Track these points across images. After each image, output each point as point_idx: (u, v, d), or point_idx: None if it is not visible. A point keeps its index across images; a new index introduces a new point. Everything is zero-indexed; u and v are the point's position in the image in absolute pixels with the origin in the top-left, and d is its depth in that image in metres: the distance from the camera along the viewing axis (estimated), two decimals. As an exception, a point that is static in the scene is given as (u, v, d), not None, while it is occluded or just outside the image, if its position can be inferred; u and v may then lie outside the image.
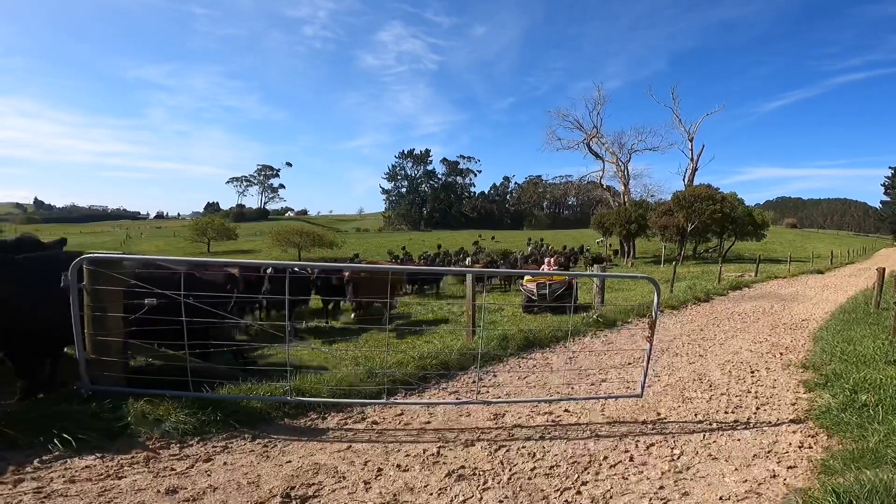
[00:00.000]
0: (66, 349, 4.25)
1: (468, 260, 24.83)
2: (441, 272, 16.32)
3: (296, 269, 7.54)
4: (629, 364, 5.72)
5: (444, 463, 3.08)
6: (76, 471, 2.74)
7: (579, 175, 62.93)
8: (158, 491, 2.59)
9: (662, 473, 3.01)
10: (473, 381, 4.65)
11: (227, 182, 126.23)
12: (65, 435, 2.96)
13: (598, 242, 46.89)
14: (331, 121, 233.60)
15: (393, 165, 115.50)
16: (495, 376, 5.13)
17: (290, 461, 3.03)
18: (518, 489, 2.79)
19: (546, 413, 4.03)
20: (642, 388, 4.13)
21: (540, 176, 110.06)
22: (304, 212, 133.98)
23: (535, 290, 10.63)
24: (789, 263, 24.33)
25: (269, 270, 7.97)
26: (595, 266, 15.61)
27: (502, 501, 2.66)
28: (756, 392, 4.73)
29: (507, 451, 3.28)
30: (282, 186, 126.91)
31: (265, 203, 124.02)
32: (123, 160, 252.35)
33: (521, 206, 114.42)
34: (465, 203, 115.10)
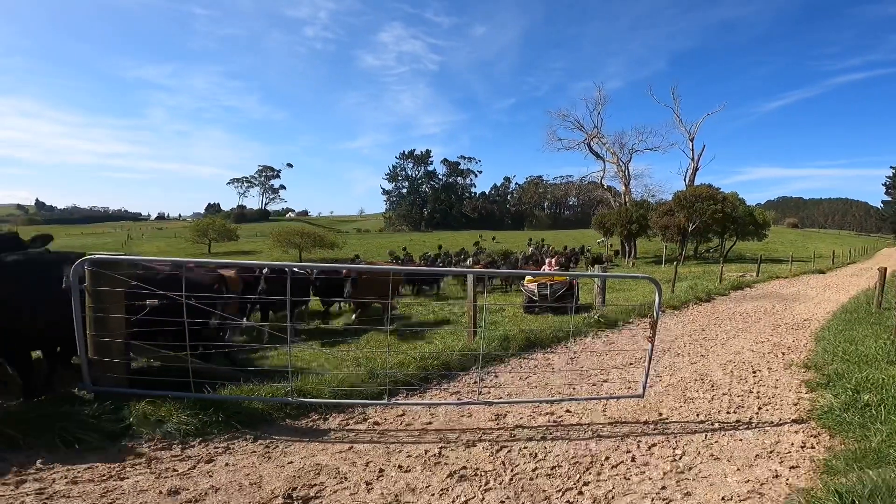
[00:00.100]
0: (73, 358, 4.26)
1: (469, 260, 24.82)
2: (440, 273, 16.32)
3: (295, 269, 7.56)
4: (631, 364, 5.72)
5: (446, 463, 3.08)
6: (78, 472, 2.74)
7: (580, 175, 63.06)
8: (160, 492, 2.59)
9: (664, 474, 3.01)
10: (475, 382, 4.65)
11: (228, 183, 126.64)
12: (66, 436, 2.96)
13: (598, 243, 46.90)
14: (331, 121, 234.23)
15: (393, 166, 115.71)
16: (497, 377, 5.13)
17: (291, 462, 3.03)
18: (520, 490, 2.79)
19: (548, 413, 4.02)
20: (644, 388, 4.12)
21: (541, 176, 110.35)
22: (305, 212, 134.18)
23: (536, 291, 10.63)
24: (791, 263, 24.31)
25: (264, 271, 7.91)
26: (596, 266, 15.61)
27: (504, 502, 2.66)
28: (758, 392, 4.72)
29: (509, 451, 3.28)
30: (282, 187, 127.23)
31: (266, 204, 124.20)
32: (124, 160, 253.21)
33: (521, 207, 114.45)
34: (466, 203, 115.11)
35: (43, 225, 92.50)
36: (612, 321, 8.38)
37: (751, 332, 7.99)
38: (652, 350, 4.05)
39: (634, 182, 50.22)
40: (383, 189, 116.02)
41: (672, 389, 4.78)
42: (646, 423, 3.89)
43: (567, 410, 4.09)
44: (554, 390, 4.69)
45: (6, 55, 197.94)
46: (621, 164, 49.62)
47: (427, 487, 2.78)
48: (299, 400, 3.77)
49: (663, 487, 2.84)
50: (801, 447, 3.41)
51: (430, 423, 3.76)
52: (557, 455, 3.24)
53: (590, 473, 3.00)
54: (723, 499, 2.72)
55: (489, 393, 4.55)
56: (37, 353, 4.47)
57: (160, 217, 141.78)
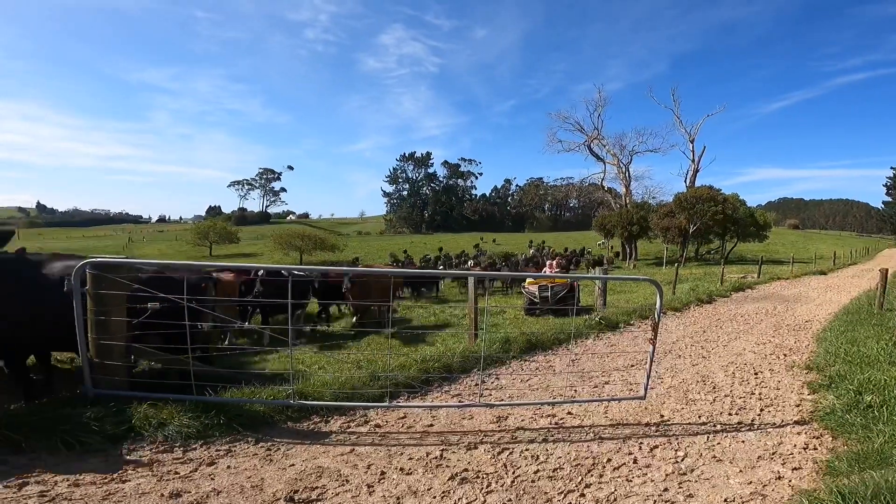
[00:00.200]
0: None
1: (470, 262, 24.82)
2: (439, 275, 16.31)
3: (294, 272, 7.56)
4: (632, 366, 5.71)
5: (448, 466, 3.08)
6: (80, 474, 2.74)
7: (580, 177, 62.90)
8: (162, 495, 2.59)
9: (666, 476, 3.01)
10: (476, 384, 4.65)
11: (229, 185, 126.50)
12: (68, 438, 2.97)
13: (599, 244, 46.84)
14: (333, 124, 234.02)
15: (394, 168, 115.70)
16: (498, 379, 5.12)
17: (293, 465, 3.03)
18: (521, 492, 2.78)
19: (549, 415, 4.02)
20: (645, 390, 4.12)
21: (541, 178, 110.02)
22: (306, 215, 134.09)
23: (536, 293, 10.62)
24: (792, 264, 24.26)
25: (260, 273, 7.89)
26: (597, 268, 15.59)
27: (506, 504, 2.66)
28: (760, 394, 4.71)
29: (511, 453, 3.27)
30: (283, 190, 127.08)
31: (267, 206, 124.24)
32: (126, 164, 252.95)
33: (522, 209, 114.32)
34: (467, 206, 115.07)
35: (44, 228, 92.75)
36: (614, 323, 8.37)
37: (752, 333, 7.97)
38: (653, 352, 4.05)
39: (635, 184, 50.17)
40: (384, 191, 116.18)
41: (674, 391, 4.77)
42: (647, 424, 3.88)
43: (568, 412, 4.09)
44: (555, 392, 4.69)
45: (9, 58, 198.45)
46: (622, 165, 49.62)
47: (429, 490, 2.78)
48: (301, 402, 3.76)
49: (665, 489, 2.84)
50: (804, 448, 3.40)
51: (431, 425, 3.76)
52: (559, 457, 3.24)
53: (591, 475, 3.00)
54: (725, 500, 2.72)
55: (490, 395, 4.55)
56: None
57: (161, 220, 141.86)
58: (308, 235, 44.61)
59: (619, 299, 12.57)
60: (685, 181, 48.00)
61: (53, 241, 54.78)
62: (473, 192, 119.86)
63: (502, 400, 4.39)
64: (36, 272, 4.00)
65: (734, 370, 5.59)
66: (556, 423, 3.87)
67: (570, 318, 8.28)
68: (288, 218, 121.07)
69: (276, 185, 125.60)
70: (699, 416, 4.08)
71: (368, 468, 3.01)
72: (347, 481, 2.84)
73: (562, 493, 2.79)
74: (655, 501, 2.71)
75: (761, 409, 4.26)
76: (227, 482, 2.77)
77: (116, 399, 3.43)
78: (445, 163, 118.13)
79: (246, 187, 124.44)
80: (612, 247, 44.10)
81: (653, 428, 3.82)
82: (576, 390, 4.78)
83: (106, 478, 2.72)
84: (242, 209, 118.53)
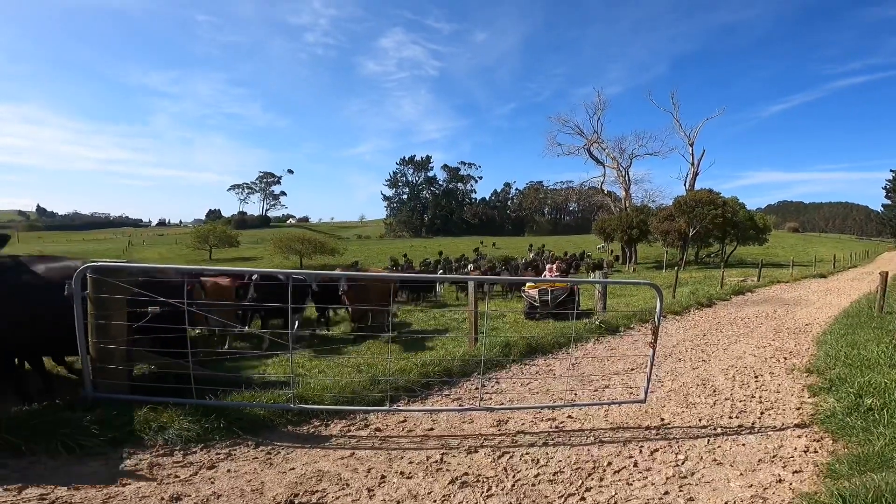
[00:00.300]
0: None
1: (469, 266, 24.82)
2: (436, 279, 16.31)
3: (293, 276, 7.55)
4: (632, 370, 5.71)
5: (448, 470, 3.08)
6: (80, 478, 2.74)
7: (580, 181, 62.92)
8: (162, 498, 2.59)
9: (667, 479, 3.00)
10: (476, 388, 4.65)
11: (229, 189, 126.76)
12: (68, 442, 2.97)
13: (599, 248, 46.84)
14: (333, 127, 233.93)
15: (394, 172, 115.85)
16: (498, 383, 5.12)
17: (293, 468, 3.02)
18: (522, 496, 2.78)
19: (549, 419, 4.02)
20: (646, 393, 4.12)
21: (541, 182, 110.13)
22: (306, 219, 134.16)
23: (536, 297, 10.62)
24: (792, 268, 24.26)
25: (254, 277, 7.85)
26: (597, 272, 15.59)
27: (506, 508, 2.65)
28: (760, 397, 4.71)
29: (511, 457, 3.27)
30: (283, 193, 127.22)
31: (267, 210, 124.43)
32: (126, 167, 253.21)
33: (522, 213, 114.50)
34: (467, 209, 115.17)
35: (44, 231, 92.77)
36: (614, 327, 8.37)
37: (752, 336, 7.97)
38: (653, 355, 4.05)
39: (635, 187, 50.19)
40: (384, 195, 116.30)
41: (674, 394, 4.77)
42: (648, 428, 3.88)
43: (569, 416, 4.08)
44: (555, 396, 4.68)
45: (10, 61, 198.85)
46: (621, 169, 49.66)
47: (429, 494, 2.78)
48: (301, 406, 3.76)
49: (666, 493, 2.84)
50: (804, 451, 3.40)
51: (431, 429, 3.76)
52: (559, 461, 3.23)
53: (592, 479, 3.00)
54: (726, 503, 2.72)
55: (491, 399, 4.55)
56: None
57: (161, 223, 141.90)
58: (308, 239, 44.59)
59: (619, 303, 12.57)
60: (685, 184, 48.12)
61: (53, 245, 54.79)
62: (473, 195, 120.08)
63: (502, 404, 4.39)
64: (16, 274, 3.90)
65: (734, 373, 5.59)
66: (556, 427, 3.86)
67: (571, 321, 8.28)
68: (288, 222, 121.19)
69: (276, 189, 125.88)
70: (699, 420, 4.08)
71: (369, 472, 3.01)
72: (348, 485, 2.84)
73: (562, 496, 2.79)
74: (656, 505, 2.71)
75: (762, 413, 4.25)
76: (227, 486, 2.77)
77: (116, 402, 3.43)
78: (445, 166, 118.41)
79: (246, 191, 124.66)
80: (611, 250, 44.09)
81: (653, 431, 3.81)
82: (576, 394, 4.78)
83: (106, 481, 2.72)
84: (242, 213, 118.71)
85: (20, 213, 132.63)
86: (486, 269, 22.47)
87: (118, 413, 3.30)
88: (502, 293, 17.69)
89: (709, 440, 3.62)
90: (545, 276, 13.57)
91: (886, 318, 8.45)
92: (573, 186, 70.59)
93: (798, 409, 4.35)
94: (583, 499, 2.77)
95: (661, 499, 2.77)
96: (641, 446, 3.49)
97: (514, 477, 2.99)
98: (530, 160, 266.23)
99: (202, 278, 6.25)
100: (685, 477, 3.03)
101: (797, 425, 3.93)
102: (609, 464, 3.20)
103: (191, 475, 2.87)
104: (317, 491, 2.76)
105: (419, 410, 4.11)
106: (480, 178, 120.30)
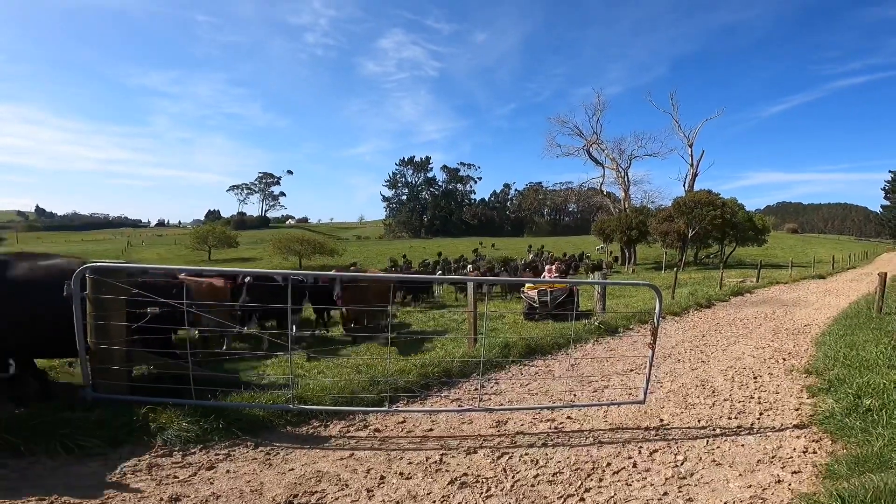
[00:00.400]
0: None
1: (469, 267, 24.81)
2: (434, 280, 16.30)
3: (291, 277, 7.53)
4: (631, 370, 5.71)
5: (447, 470, 3.08)
6: (79, 478, 2.74)
7: (580, 181, 63.04)
8: (161, 499, 2.59)
9: (666, 480, 3.01)
10: (475, 389, 4.65)
11: (228, 190, 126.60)
12: (68, 442, 2.97)
13: (598, 249, 46.88)
14: (333, 128, 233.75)
15: (393, 173, 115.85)
16: (497, 383, 5.12)
17: (292, 469, 3.02)
18: (521, 496, 2.78)
19: (548, 420, 4.02)
20: (645, 394, 4.12)
21: (540, 182, 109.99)
22: (305, 219, 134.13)
23: (536, 298, 10.62)
24: (791, 269, 24.28)
25: (247, 279, 7.80)
26: (596, 273, 15.58)
27: (506, 508, 2.65)
28: (759, 397, 4.71)
29: (510, 458, 3.27)
30: (282, 194, 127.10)
31: (266, 211, 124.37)
32: (126, 168, 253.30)
33: (521, 213, 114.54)
34: (466, 210, 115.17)
35: (43, 231, 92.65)
36: (613, 328, 8.38)
37: (751, 337, 7.98)
38: (653, 356, 4.06)
39: (634, 188, 50.22)
40: (383, 196, 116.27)
41: (673, 395, 4.77)
42: (647, 429, 3.88)
43: (568, 417, 4.09)
44: (555, 397, 4.69)
45: (10, 61, 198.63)
46: (621, 170, 49.67)
47: (428, 494, 2.78)
48: (300, 407, 3.76)
49: (665, 493, 2.84)
50: (803, 452, 3.40)
51: (431, 429, 3.76)
52: (559, 461, 3.23)
53: (591, 480, 3.00)
54: (725, 504, 2.72)
55: (490, 400, 4.55)
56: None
57: (160, 224, 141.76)
58: (307, 240, 44.59)
59: (618, 304, 12.58)
60: (684, 185, 48.15)
61: (52, 245, 54.70)
62: (472, 196, 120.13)
63: (502, 404, 4.39)
64: None
65: (733, 374, 5.60)
66: (555, 428, 3.87)
67: (570, 322, 8.28)
68: (287, 222, 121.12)
69: (276, 190, 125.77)
70: (698, 420, 4.08)
71: (368, 473, 3.01)
72: (347, 486, 2.84)
73: (561, 497, 2.79)
74: (655, 505, 2.71)
75: (760, 413, 4.26)
76: (226, 486, 2.77)
77: (116, 403, 3.42)
78: (444, 167, 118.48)
79: (245, 191, 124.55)
80: (611, 251, 44.13)
81: (652, 432, 3.82)
82: (575, 395, 4.78)
83: (105, 481, 2.72)
84: (242, 213, 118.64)
85: (19, 213, 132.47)
86: (484, 269, 22.46)
87: (117, 413, 3.30)
88: (501, 294, 17.70)
89: (708, 441, 3.62)
90: (544, 276, 13.58)
91: (885, 319, 8.47)
92: (572, 187, 70.58)
93: (797, 409, 4.35)
94: (582, 499, 2.77)
95: (660, 499, 2.78)
96: (640, 447, 3.49)
97: (513, 477, 2.99)
98: (530, 161, 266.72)
99: (182, 277, 6.14)
100: (684, 477, 3.04)
101: (796, 426, 3.93)
102: (608, 464, 3.20)
103: (190, 476, 2.87)
104: (316, 492, 2.76)
105: (418, 411, 4.11)
106: (480, 178, 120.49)
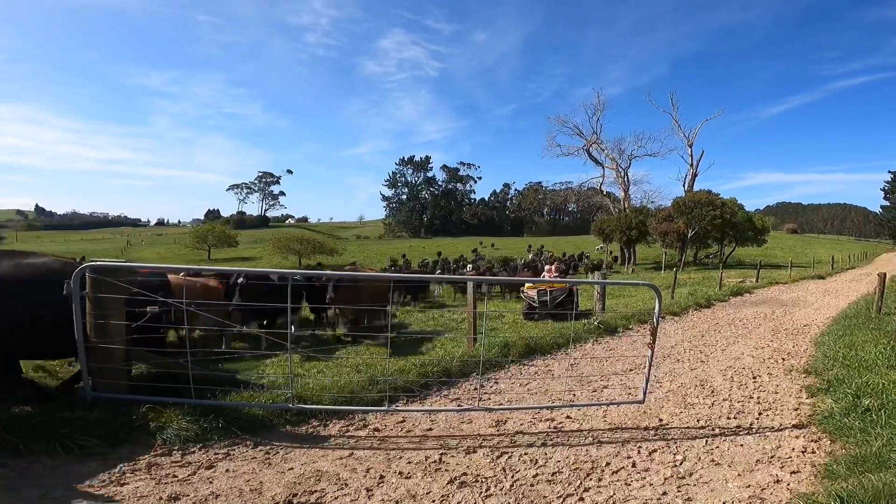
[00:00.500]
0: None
1: (468, 267, 24.81)
2: (431, 279, 16.29)
3: (288, 277, 7.51)
4: (631, 370, 5.71)
5: (447, 470, 3.08)
6: (79, 477, 2.74)
7: (579, 181, 63.10)
8: (160, 498, 2.59)
9: (665, 479, 3.01)
10: (475, 388, 4.65)
11: (228, 189, 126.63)
12: (67, 441, 2.96)
13: (598, 249, 46.88)
14: (333, 128, 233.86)
15: (393, 172, 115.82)
16: (497, 383, 5.13)
17: (292, 468, 3.02)
18: (520, 496, 2.79)
19: (548, 419, 4.02)
20: (644, 394, 4.13)
21: (540, 182, 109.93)
22: (305, 219, 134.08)
23: (535, 298, 10.63)
24: (790, 269, 24.29)
25: (241, 280, 7.76)
26: (595, 273, 15.58)
27: (505, 508, 2.66)
28: (758, 397, 4.72)
29: (510, 457, 3.27)
30: (282, 193, 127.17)
31: (266, 210, 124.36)
32: (126, 167, 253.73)
33: (521, 213, 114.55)
34: (466, 210, 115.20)
35: (42, 231, 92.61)
36: (612, 327, 8.38)
37: (751, 337, 7.99)
38: (652, 356, 4.06)
39: (634, 188, 50.26)
40: (383, 195, 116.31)
41: (672, 395, 4.77)
42: (646, 428, 3.89)
43: (567, 416, 4.09)
44: (554, 396, 4.69)
45: (10, 61, 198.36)
46: (620, 170, 49.70)
47: (428, 494, 2.78)
48: (300, 406, 3.76)
49: (664, 493, 2.84)
50: (802, 452, 3.41)
51: (430, 429, 3.76)
52: (558, 461, 3.24)
53: (591, 479, 3.00)
54: (724, 504, 2.72)
55: (489, 399, 4.55)
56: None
57: (160, 223, 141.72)
58: (307, 239, 44.57)
59: (617, 304, 12.58)
60: (684, 185, 48.20)
61: (51, 245, 54.68)
62: (472, 196, 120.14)
63: (501, 404, 4.39)
64: None
65: (732, 374, 5.60)
66: (555, 427, 3.87)
67: (569, 322, 8.29)
68: (287, 222, 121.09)
69: (276, 189, 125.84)
70: (698, 420, 4.09)
71: (367, 472, 3.01)
72: (346, 485, 2.84)
73: (561, 496, 2.79)
74: (654, 505, 2.71)
75: (760, 413, 4.26)
76: (225, 485, 2.77)
77: (115, 402, 3.42)
78: (444, 167, 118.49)
79: (245, 191, 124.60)
80: (610, 251, 44.13)
81: (651, 432, 3.82)
82: (575, 394, 4.79)
83: (104, 481, 2.72)
84: (241, 213, 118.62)
85: (18, 212, 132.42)
86: (484, 269, 22.46)
87: (116, 413, 3.29)
88: (501, 294, 17.70)
89: (707, 441, 3.63)
90: (544, 276, 13.58)
91: (884, 319, 8.48)
92: (572, 187, 70.51)
93: (796, 409, 4.36)
94: (581, 499, 2.78)
95: (660, 499, 2.78)
96: (640, 447, 3.49)
97: (512, 477, 3.00)
98: (530, 161, 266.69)
99: (171, 277, 6.09)
100: (683, 477, 3.04)
101: (795, 426, 3.93)
102: (607, 464, 3.21)
103: (189, 475, 2.87)
104: (315, 491, 2.76)
105: (418, 411, 4.11)
106: (480, 178, 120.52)
